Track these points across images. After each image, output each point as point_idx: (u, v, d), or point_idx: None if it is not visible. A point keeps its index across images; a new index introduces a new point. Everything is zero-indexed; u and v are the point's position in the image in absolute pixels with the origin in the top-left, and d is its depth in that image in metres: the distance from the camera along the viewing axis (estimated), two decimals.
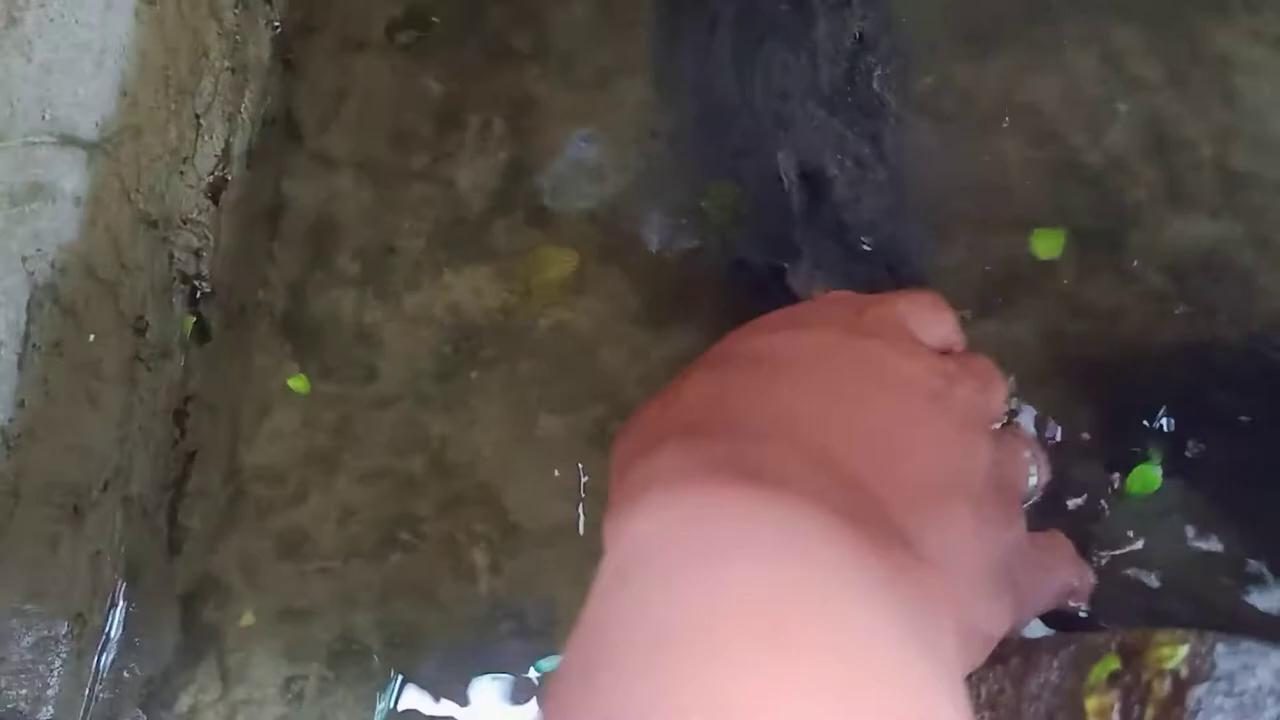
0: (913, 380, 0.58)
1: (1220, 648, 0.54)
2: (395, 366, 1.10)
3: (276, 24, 1.08)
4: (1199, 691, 0.53)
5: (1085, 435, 0.98)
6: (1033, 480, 0.67)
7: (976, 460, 0.58)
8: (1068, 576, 0.68)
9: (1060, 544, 0.70)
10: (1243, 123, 1.07)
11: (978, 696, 0.68)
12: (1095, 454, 0.97)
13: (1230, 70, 1.09)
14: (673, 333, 1.07)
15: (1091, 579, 0.70)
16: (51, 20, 0.78)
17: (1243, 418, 0.96)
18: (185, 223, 0.96)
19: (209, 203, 1.00)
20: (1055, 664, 0.62)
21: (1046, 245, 1.04)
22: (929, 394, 0.58)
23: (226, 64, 0.99)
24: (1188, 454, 0.96)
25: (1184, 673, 0.54)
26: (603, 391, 1.06)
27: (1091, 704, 0.58)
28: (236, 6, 1.00)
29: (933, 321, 0.65)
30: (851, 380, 0.56)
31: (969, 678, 0.67)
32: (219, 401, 1.06)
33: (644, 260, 1.08)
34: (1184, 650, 0.54)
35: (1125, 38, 1.11)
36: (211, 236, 1.01)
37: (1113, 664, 0.58)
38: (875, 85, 1.02)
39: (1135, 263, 1.03)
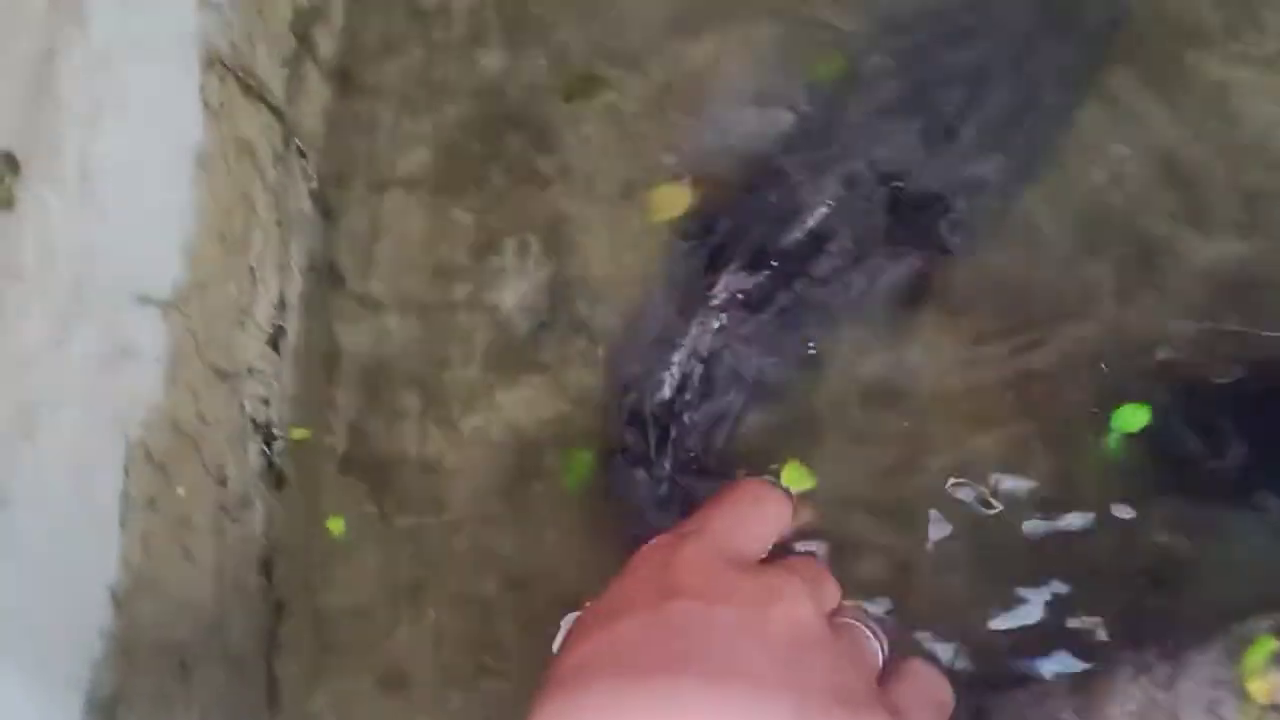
0: (728, 628, 0.60)
1: None
2: (461, 491, 1.11)
3: (312, 176, 1.12)
4: None
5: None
6: (880, 656, 0.71)
7: (814, 672, 0.60)
8: (940, 704, 0.71)
9: (918, 677, 0.73)
10: (1249, 142, 1.11)
11: (1128, 715, 0.68)
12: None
13: (1227, 94, 1.13)
14: None
15: (951, 694, 0.73)
16: (121, 189, 0.81)
17: None
18: (251, 372, 0.98)
19: (271, 351, 1.02)
20: (1207, 660, 0.63)
21: None
22: (749, 632, 0.60)
23: (273, 217, 1.03)
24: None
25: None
26: None
27: (1255, 686, 0.58)
28: (276, 164, 1.04)
29: (752, 529, 0.68)
30: (668, 662, 0.58)
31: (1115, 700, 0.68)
32: (300, 547, 1.07)
33: None
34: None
35: (1119, 79, 1.15)
36: (276, 384, 1.03)
37: (1270, 644, 0.58)
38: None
39: (1175, 287, 1.06)
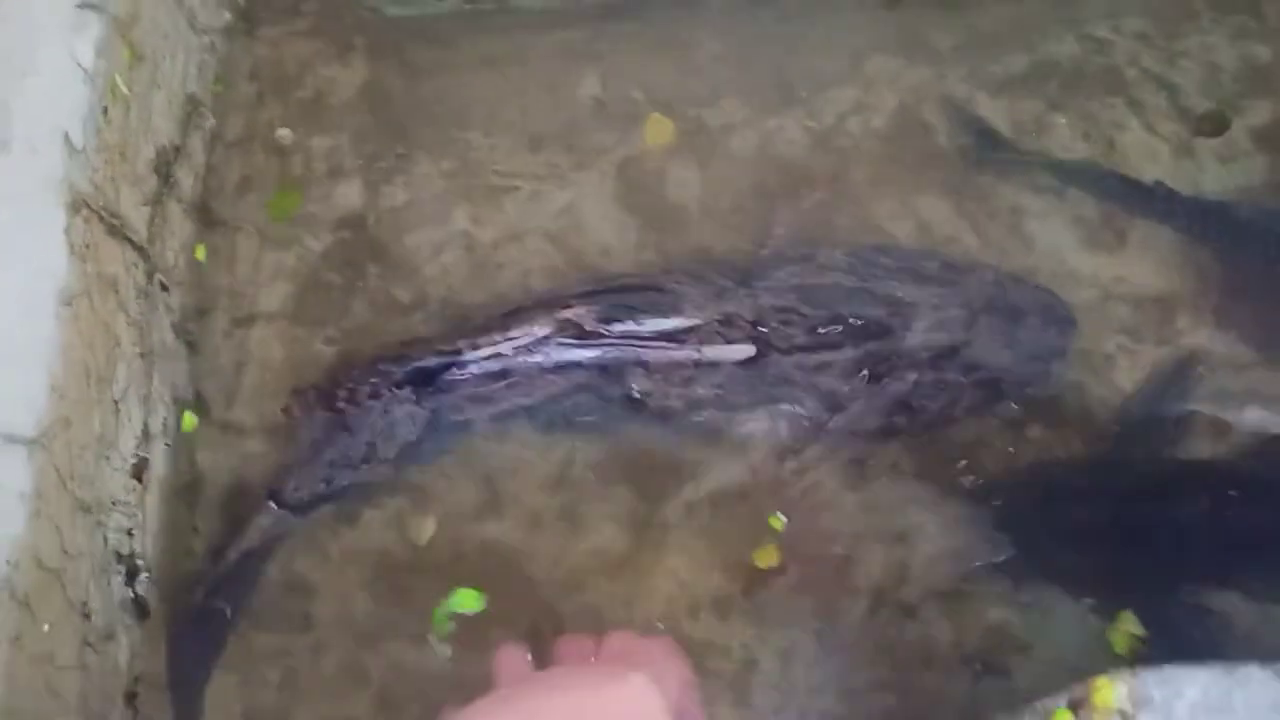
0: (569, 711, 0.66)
1: (1150, 678, 0.62)
2: (328, 610, 1.14)
3: (175, 310, 1.15)
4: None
5: None
6: None
7: None
8: None
9: None
10: (1041, 259, 1.25)
11: None
12: None
13: (1022, 218, 1.27)
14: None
15: None
16: None
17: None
18: (115, 504, 0.99)
19: (134, 482, 1.04)
20: None
21: None
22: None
23: (137, 351, 1.05)
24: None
25: (1127, 708, 0.62)
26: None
27: None
28: (140, 299, 1.07)
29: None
30: None
31: None
32: (164, 676, 1.07)
33: None
34: (1123, 688, 0.63)
35: (930, 207, 1.28)
36: (140, 515, 1.04)
37: (1065, 717, 0.66)
38: None
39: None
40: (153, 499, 1.08)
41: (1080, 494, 1.13)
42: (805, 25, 1.37)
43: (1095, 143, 1.31)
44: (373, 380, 1.12)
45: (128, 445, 1.04)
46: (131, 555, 1.04)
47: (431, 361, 1.12)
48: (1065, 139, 1.32)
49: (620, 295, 1.15)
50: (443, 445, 1.16)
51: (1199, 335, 1.22)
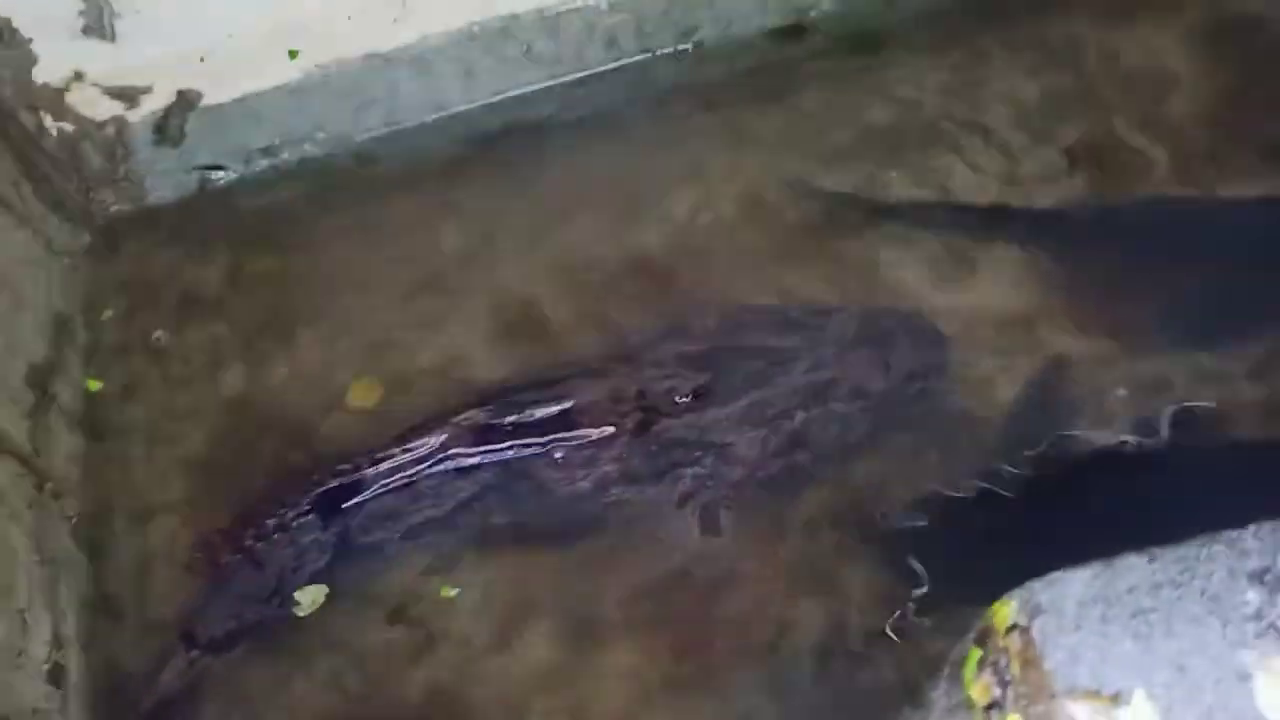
0: None
1: (1037, 587, 0.64)
2: None
3: (72, 516, 1.15)
4: (1037, 627, 0.63)
5: None
6: None
7: None
8: None
9: None
10: (903, 302, 1.30)
11: None
12: None
13: (877, 269, 1.33)
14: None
15: None
16: None
17: None
18: (35, 713, 0.97)
19: (53, 689, 1.02)
20: (941, 691, 0.71)
21: None
22: None
23: (35, 559, 1.05)
24: None
25: (1022, 620, 0.64)
26: None
27: (974, 692, 0.66)
28: (32, 509, 1.07)
29: None
30: None
31: None
32: None
33: None
34: (1014, 603, 0.64)
35: (789, 276, 1.34)
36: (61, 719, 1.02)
37: (976, 653, 0.67)
38: None
39: None
40: (75, 705, 1.05)
41: (981, 507, 1.16)
42: (643, 142, 1.45)
43: (929, 189, 1.39)
44: (277, 513, 1.11)
45: (39, 653, 1.02)
46: None
47: (333, 484, 1.12)
48: (901, 191, 1.39)
49: (512, 394, 1.17)
50: (356, 571, 1.15)
51: (1062, 341, 1.28)
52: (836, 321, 1.23)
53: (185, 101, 1.32)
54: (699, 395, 1.17)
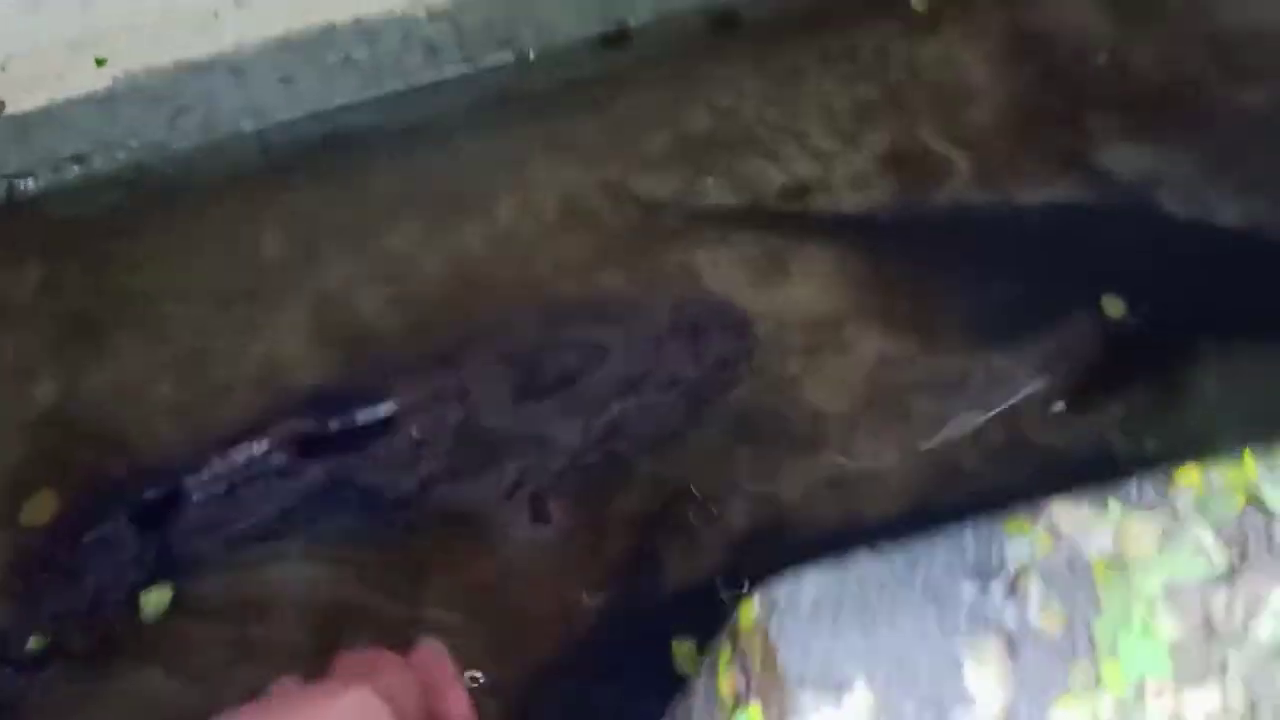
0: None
1: (775, 584, 0.69)
2: None
3: None
4: (774, 625, 0.68)
5: None
6: None
7: None
8: None
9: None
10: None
11: None
12: None
13: (695, 272, 1.38)
14: None
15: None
16: None
17: None
18: None
19: None
20: (700, 682, 0.75)
21: None
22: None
23: None
24: None
25: (760, 619, 0.68)
26: None
27: (723, 688, 0.71)
28: None
29: None
30: None
31: None
32: None
33: None
34: (754, 603, 0.69)
35: (610, 279, 1.37)
36: None
37: (727, 651, 0.71)
38: None
39: None
40: None
41: None
42: (467, 150, 1.47)
43: (745, 194, 1.45)
44: (92, 523, 1.11)
45: None
46: None
47: (150, 495, 1.12)
48: (717, 196, 1.44)
49: (333, 400, 1.18)
50: (178, 581, 1.15)
51: (869, 341, 1.34)
52: (649, 314, 1.27)
53: None
54: (519, 390, 1.20)
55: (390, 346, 1.32)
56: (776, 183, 1.46)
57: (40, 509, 1.21)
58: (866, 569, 0.69)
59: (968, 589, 0.69)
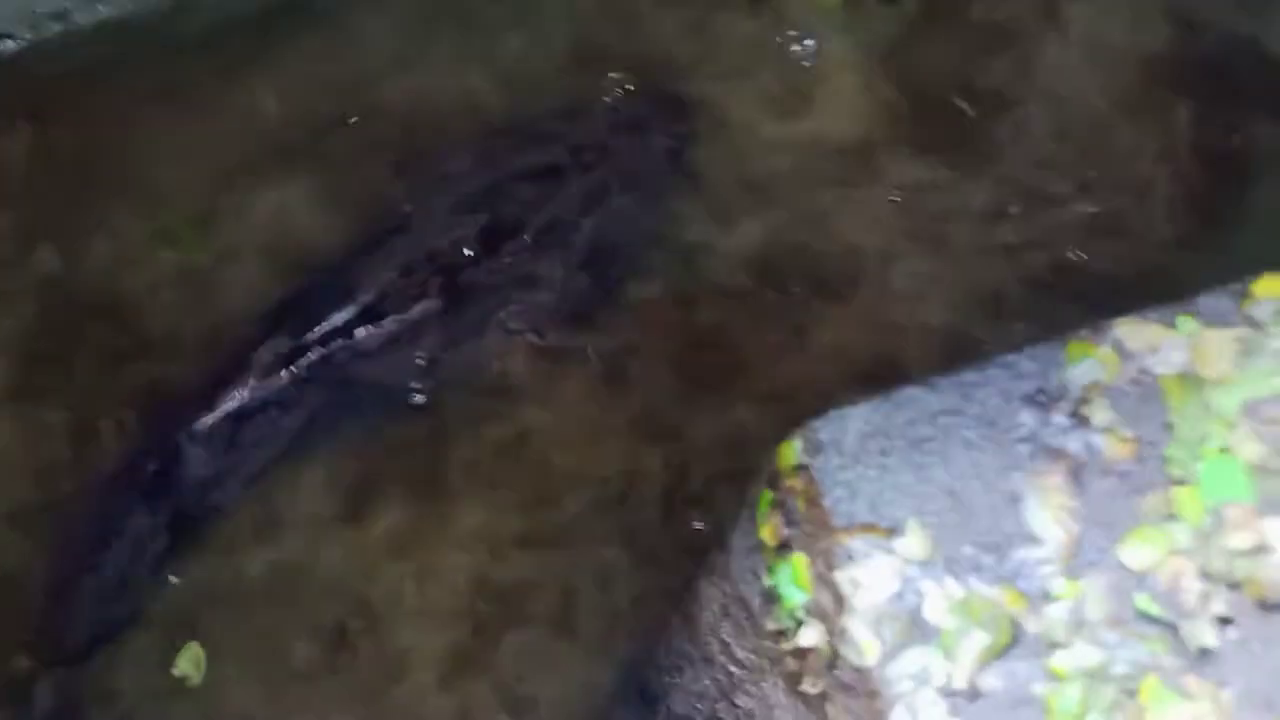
0: None
1: (818, 425, 0.63)
2: None
3: None
4: (818, 464, 0.63)
5: None
6: None
7: None
8: None
9: None
10: None
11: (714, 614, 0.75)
12: None
13: None
14: None
15: None
16: None
17: None
18: None
19: None
20: (741, 533, 0.71)
21: None
22: None
23: None
24: None
25: (803, 459, 0.63)
26: None
27: (765, 535, 0.66)
28: None
29: None
30: None
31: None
32: None
33: None
34: (799, 444, 0.64)
35: None
36: None
37: (768, 495, 0.67)
38: None
39: None
40: None
41: None
42: None
43: None
44: (101, 516, 1.10)
45: None
46: None
47: (152, 469, 1.10)
48: None
49: (301, 305, 1.15)
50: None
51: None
52: (588, 121, 1.23)
53: None
54: (486, 237, 1.15)
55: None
56: None
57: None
58: (916, 402, 0.64)
59: (1027, 418, 0.63)
